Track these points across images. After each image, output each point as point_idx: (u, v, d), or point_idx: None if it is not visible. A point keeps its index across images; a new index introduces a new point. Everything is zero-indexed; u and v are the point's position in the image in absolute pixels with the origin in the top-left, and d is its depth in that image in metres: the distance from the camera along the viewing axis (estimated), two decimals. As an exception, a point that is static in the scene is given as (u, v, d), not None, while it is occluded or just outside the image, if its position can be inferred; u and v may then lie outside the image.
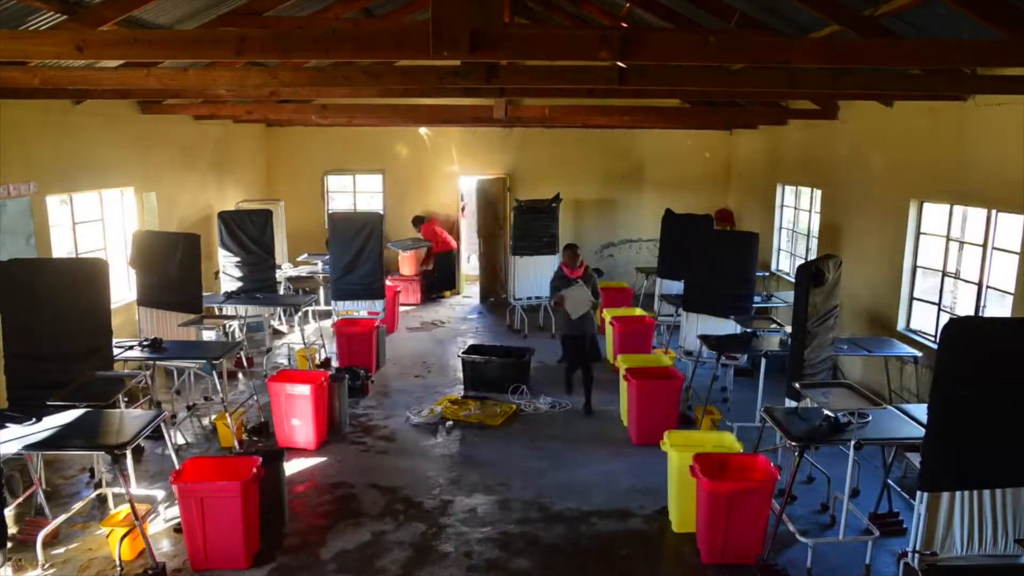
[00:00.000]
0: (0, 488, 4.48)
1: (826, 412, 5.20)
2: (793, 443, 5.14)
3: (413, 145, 14.84)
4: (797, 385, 5.78)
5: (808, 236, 11.11)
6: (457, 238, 14.77)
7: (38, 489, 5.72)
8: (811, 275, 6.19)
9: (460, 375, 9.40)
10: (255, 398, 8.13)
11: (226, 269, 10.19)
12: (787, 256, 12.24)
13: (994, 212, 6.85)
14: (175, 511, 5.51)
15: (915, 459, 5.41)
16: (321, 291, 12.18)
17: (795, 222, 11.88)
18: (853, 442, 5.05)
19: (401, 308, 12.75)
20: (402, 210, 14.89)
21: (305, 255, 13.41)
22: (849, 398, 5.31)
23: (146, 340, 7.16)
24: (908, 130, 8.18)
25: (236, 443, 7.08)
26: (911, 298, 8.22)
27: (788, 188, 12.18)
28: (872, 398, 5.27)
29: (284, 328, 11.72)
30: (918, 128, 7.96)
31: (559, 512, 6.09)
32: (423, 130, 14.59)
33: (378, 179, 15.24)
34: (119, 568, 5.05)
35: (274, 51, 4.31)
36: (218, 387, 7.03)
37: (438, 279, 14.41)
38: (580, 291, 7.95)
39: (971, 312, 7.11)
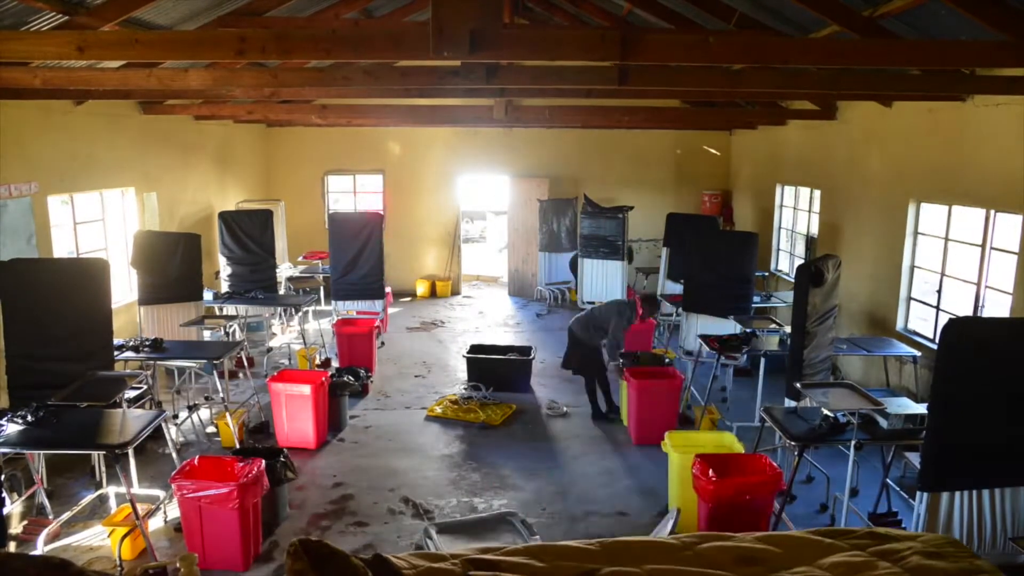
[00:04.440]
0: (0, 488, 4.49)
1: (825, 412, 5.22)
2: (793, 443, 5.16)
3: (413, 145, 14.85)
4: (798, 385, 5.79)
5: (807, 236, 11.12)
6: (454, 242, 14.38)
7: (39, 488, 5.73)
8: (810, 275, 6.21)
9: (460, 375, 9.42)
10: (256, 398, 8.14)
11: (226, 269, 10.20)
12: (786, 256, 12.25)
13: (992, 212, 6.87)
14: (176, 510, 5.52)
15: (914, 459, 5.43)
16: (321, 291, 12.19)
17: (794, 223, 11.89)
18: (853, 442, 5.06)
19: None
20: (402, 210, 14.92)
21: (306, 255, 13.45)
22: (849, 398, 5.32)
23: (147, 340, 7.17)
24: (907, 131, 8.19)
25: (237, 443, 7.08)
26: (909, 298, 8.23)
27: (788, 188, 12.19)
28: (872, 398, 5.29)
29: (277, 331, 11.58)
30: (917, 128, 7.97)
31: (559, 512, 6.10)
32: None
33: (378, 179, 15.25)
34: (119, 567, 5.06)
35: (274, 51, 4.32)
36: (218, 387, 7.04)
37: None
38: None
39: (969, 312, 7.12)
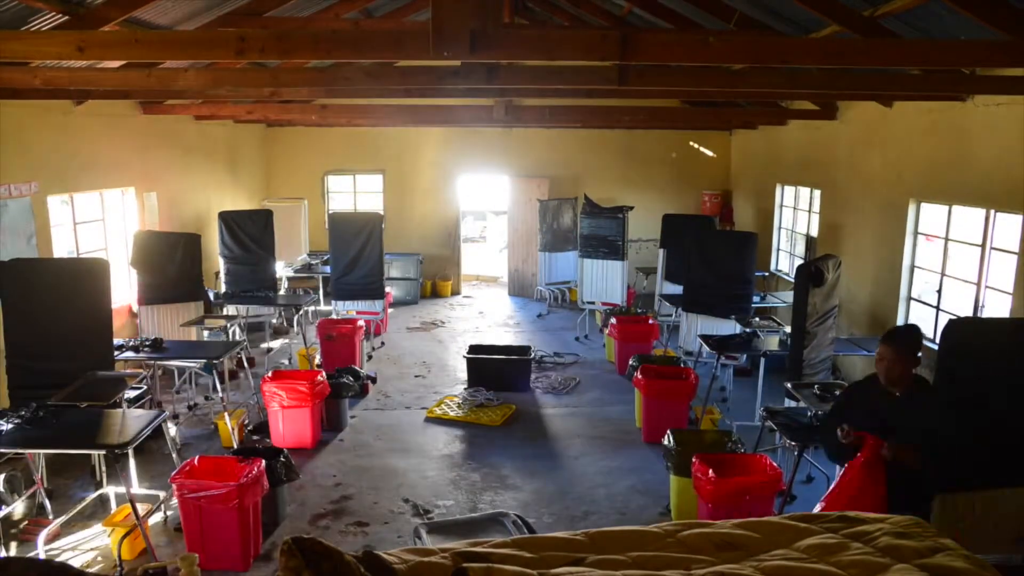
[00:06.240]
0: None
1: (809, 412, 5.27)
2: (793, 443, 5.16)
3: (413, 145, 14.85)
4: (788, 385, 5.81)
5: (807, 236, 11.12)
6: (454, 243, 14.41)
7: (39, 488, 5.72)
8: (810, 275, 6.21)
9: (460, 375, 9.41)
10: (255, 397, 8.14)
11: (224, 268, 10.20)
12: (786, 256, 12.26)
13: (992, 212, 6.86)
14: (176, 510, 5.52)
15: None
16: (321, 291, 12.19)
17: (794, 223, 11.89)
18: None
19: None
20: (402, 211, 14.93)
21: (304, 255, 13.47)
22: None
23: (147, 340, 7.17)
24: (907, 130, 8.19)
25: (236, 443, 7.08)
26: (909, 298, 8.23)
27: (788, 188, 12.19)
28: None
29: (275, 345, 11.00)
30: (917, 128, 7.97)
31: (559, 511, 6.10)
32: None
33: (378, 179, 15.26)
34: (120, 567, 5.06)
35: (274, 52, 4.32)
36: (218, 387, 7.04)
37: None
38: None
39: (969, 312, 7.11)
